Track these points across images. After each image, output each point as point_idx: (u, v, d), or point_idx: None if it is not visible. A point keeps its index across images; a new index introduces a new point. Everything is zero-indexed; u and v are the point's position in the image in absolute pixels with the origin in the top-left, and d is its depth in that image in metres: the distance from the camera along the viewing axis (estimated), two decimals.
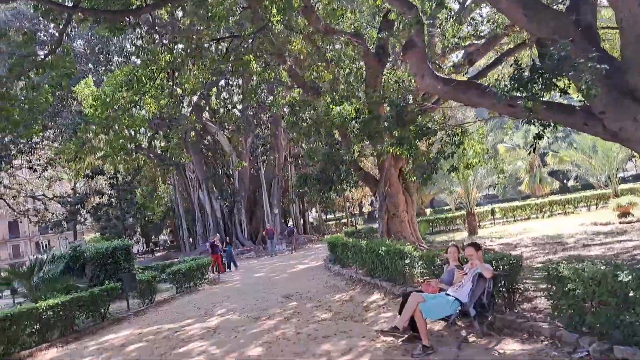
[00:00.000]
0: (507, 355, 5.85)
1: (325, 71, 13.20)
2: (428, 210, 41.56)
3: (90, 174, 38.48)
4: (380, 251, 11.94)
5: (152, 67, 11.52)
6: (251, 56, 12.05)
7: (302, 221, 41.80)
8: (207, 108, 35.06)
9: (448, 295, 6.67)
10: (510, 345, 6.17)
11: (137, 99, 12.80)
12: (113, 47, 31.29)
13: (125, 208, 37.20)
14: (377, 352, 6.79)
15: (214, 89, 28.95)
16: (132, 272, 15.55)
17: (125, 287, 13.93)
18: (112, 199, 39.26)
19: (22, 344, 10.36)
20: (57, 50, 11.76)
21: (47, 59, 9.85)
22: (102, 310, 12.82)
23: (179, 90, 14.09)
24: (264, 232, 32.39)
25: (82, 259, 17.72)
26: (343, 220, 47.57)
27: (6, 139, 34.46)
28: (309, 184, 16.06)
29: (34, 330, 10.65)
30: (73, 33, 30.75)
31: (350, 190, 17.13)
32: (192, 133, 28.05)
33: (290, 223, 42.96)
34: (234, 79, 30.76)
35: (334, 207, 47.32)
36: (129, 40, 28.74)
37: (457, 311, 6.49)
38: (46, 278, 13.92)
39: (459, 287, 6.71)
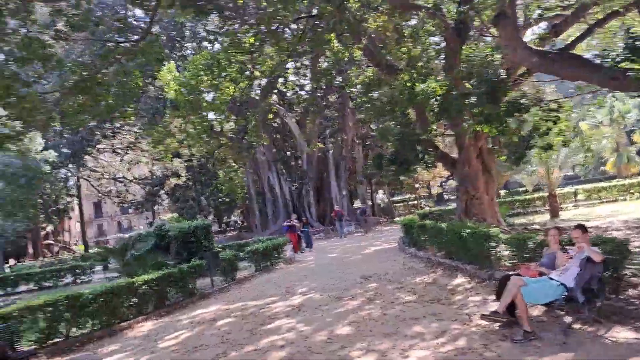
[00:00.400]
0: (621, 344, 5.51)
1: (404, 48, 12.86)
2: (502, 192, 40.05)
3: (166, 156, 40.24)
4: (463, 233, 11.62)
5: (233, 51, 11.74)
6: (332, 35, 11.93)
7: (370, 203, 41.66)
8: (276, 90, 35.47)
9: (552, 279, 6.35)
10: (622, 333, 5.81)
11: (217, 82, 13.14)
12: (187, 33, 32.28)
13: (201, 189, 38.67)
14: (473, 336, 6.62)
15: (290, 71, 29.12)
16: (215, 251, 16.17)
17: (209, 265, 14.50)
18: (189, 181, 40.90)
19: (121, 316, 11.11)
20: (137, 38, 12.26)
21: (138, 45, 10.31)
22: (190, 286, 13.45)
23: (257, 73, 14.33)
24: (332, 214, 32.59)
25: (166, 237, 18.65)
26: (412, 202, 46.84)
27: (90, 124, 36.74)
28: (384, 165, 15.84)
29: (131, 303, 11.36)
30: (147, 19, 31.93)
31: (428, 171, 16.76)
32: (271, 115, 28.50)
33: (357, 204, 42.97)
34: (302, 60, 30.79)
35: (402, 189, 46.72)
36: (202, 26, 29.51)
37: (563, 296, 6.17)
38: (137, 255, 14.77)
39: (564, 271, 6.37)
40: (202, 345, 8.42)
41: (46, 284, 24.70)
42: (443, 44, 17.86)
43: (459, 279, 10.86)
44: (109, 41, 10.85)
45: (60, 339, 10.00)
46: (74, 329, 10.31)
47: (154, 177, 50.52)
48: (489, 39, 18.28)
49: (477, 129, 11.21)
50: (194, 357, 7.78)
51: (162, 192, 45.41)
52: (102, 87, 10.62)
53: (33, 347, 9.31)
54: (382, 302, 9.50)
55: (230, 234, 49.08)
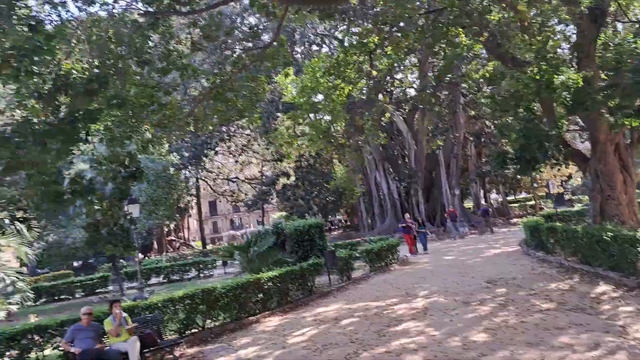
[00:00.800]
0: None
1: (535, 39, 12.02)
2: None
3: (278, 157, 41.75)
4: (604, 237, 10.60)
5: (353, 51, 11.82)
6: (460, 29, 11.50)
7: (483, 202, 39.84)
8: (383, 89, 35.18)
9: None
10: None
11: (335, 84, 13.30)
12: (297, 37, 33.21)
13: (309, 189, 39.63)
14: (634, 350, 6.00)
15: (408, 70, 28.63)
16: (332, 249, 16.40)
17: (327, 263, 14.73)
18: (298, 181, 42.14)
19: (248, 311, 11.64)
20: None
21: (266, 51, 10.77)
22: (309, 284, 13.74)
23: (374, 73, 14.32)
24: (445, 214, 31.59)
25: (282, 235, 19.29)
26: (528, 203, 43.89)
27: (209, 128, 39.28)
28: (507, 163, 15.00)
29: (258, 299, 11.85)
30: (261, 27, 33.37)
31: (559, 169, 15.59)
32: (387, 114, 28.45)
33: (467, 203, 41.27)
34: (410, 58, 30.16)
35: (519, 188, 43.99)
36: (313, 30, 30.21)
37: None
38: (259, 252, 15.43)
39: None
40: (330, 343, 8.51)
41: (174, 278, 26.77)
42: (569, 34, 16.56)
43: (602, 287, 9.94)
44: (239, 49, 11.45)
45: (197, 330, 10.69)
46: (208, 321, 10.98)
47: (264, 177, 52.82)
48: (622, 24, 16.65)
49: (625, 122, 10.13)
50: (325, 355, 7.88)
51: (273, 191, 47.23)
52: (233, 92, 11.22)
53: (175, 336, 10.08)
54: (517, 309, 8.96)
55: (334, 233, 49.68)
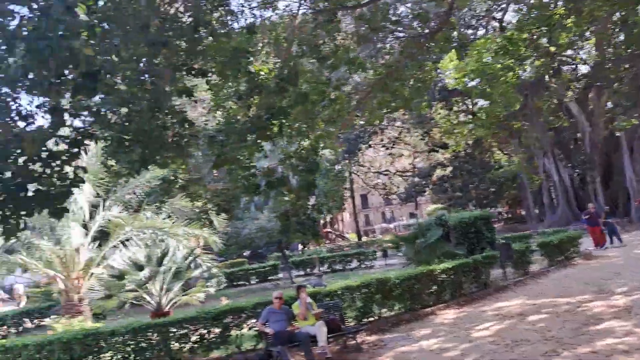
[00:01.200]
0: None
1: None
2: None
3: (433, 147, 40.76)
4: None
5: (528, 27, 10.87)
6: None
7: None
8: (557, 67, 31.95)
9: None
10: None
11: (507, 64, 12.38)
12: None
13: (468, 179, 37.97)
14: None
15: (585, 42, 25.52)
16: (507, 242, 15.53)
17: (501, 256, 13.94)
18: (456, 170, 40.59)
19: (422, 302, 11.48)
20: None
21: (435, 36, 10.49)
22: (483, 278, 13.11)
23: (552, 49, 13.04)
24: (636, 203, 27.74)
25: (446, 227, 18.74)
26: None
27: (361, 122, 39.80)
28: None
29: (432, 290, 11.64)
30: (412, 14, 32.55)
31: None
32: (569, 93, 26.03)
33: None
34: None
35: None
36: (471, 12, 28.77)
37: None
38: (427, 244, 15.20)
39: None
40: (520, 340, 7.98)
41: (336, 267, 27.72)
42: None
43: None
44: (393, 38, 11.31)
45: (373, 319, 10.84)
46: (383, 310, 11.07)
47: (416, 168, 51.97)
48: None
49: None
50: (517, 352, 7.40)
51: (427, 183, 46.25)
52: (400, 82, 11.15)
53: (355, 323, 10.35)
54: None
55: (495, 226, 46.87)
